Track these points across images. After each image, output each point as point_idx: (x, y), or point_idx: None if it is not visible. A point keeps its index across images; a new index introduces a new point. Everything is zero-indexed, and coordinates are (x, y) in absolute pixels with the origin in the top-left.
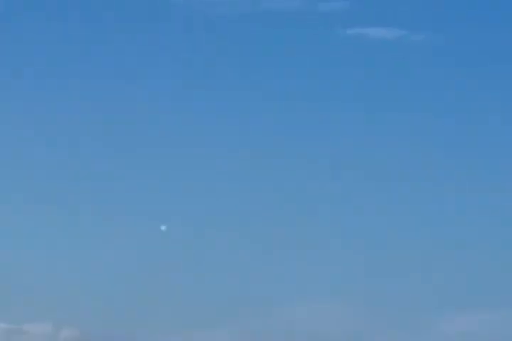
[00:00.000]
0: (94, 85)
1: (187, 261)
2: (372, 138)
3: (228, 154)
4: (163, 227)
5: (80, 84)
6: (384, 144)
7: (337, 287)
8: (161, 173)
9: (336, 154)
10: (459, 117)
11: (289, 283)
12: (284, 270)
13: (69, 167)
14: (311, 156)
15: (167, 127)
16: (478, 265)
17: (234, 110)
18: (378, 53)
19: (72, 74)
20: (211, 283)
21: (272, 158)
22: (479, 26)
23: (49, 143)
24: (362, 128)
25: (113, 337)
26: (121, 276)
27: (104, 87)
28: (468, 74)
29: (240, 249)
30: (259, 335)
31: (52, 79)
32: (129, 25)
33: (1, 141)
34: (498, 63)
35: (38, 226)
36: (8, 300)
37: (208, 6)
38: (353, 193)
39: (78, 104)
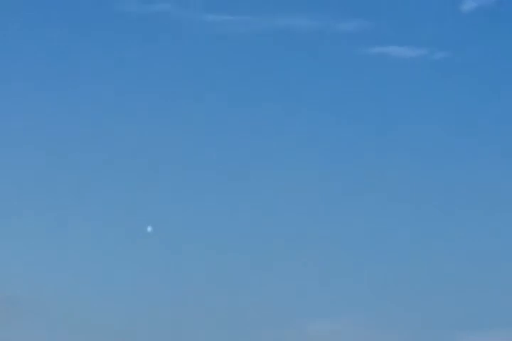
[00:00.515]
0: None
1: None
2: (389, 157)
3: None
4: (149, 228)
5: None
6: (401, 164)
7: (350, 306)
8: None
9: (358, 175)
10: (481, 137)
11: (301, 302)
12: (295, 288)
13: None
14: (327, 176)
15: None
16: (493, 284)
17: (246, 127)
18: (400, 72)
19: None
20: (206, 294)
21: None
22: (501, 45)
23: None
24: (383, 146)
25: None
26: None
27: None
28: (490, 93)
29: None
30: None
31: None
32: (140, 43)
33: None
34: None
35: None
36: (27, 321)
37: (221, 25)
38: (373, 215)
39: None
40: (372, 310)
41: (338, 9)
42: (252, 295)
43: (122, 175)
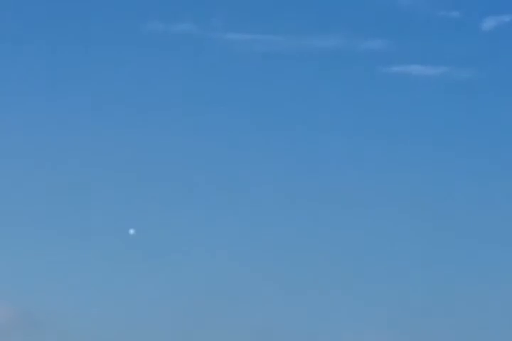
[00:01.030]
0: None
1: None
2: (413, 175)
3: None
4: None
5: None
6: (416, 180)
7: (383, 322)
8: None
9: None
10: (504, 157)
11: (330, 317)
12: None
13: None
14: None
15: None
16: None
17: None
18: (422, 90)
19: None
20: (245, 316)
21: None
22: None
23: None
24: (405, 166)
25: None
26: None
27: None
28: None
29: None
30: None
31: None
32: (163, 61)
33: None
34: None
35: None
36: (47, 338)
37: (245, 44)
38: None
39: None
40: (395, 328)
41: (359, 29)
42: (261, 311)
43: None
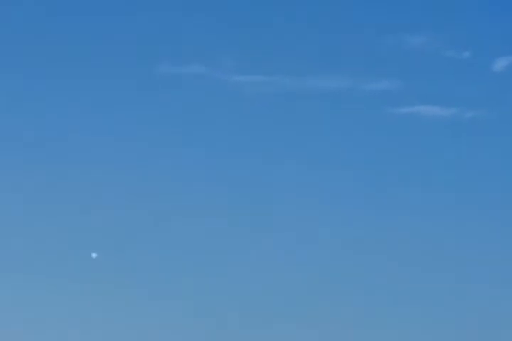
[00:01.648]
0: None
1: None
2: (429, 218)
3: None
4: (94, 255)
5: None
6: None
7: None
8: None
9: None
10: None
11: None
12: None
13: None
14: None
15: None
16: None
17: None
18: (430, 131)
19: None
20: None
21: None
22: None
23: None
24: (418, 210)
25: None
26: None
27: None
28: None
29: None
30: None
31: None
32: (173, 103)
33: None
34: None
35: None
36: None
37: (253, 85)
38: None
39: None
40: None
41: (366, 69)
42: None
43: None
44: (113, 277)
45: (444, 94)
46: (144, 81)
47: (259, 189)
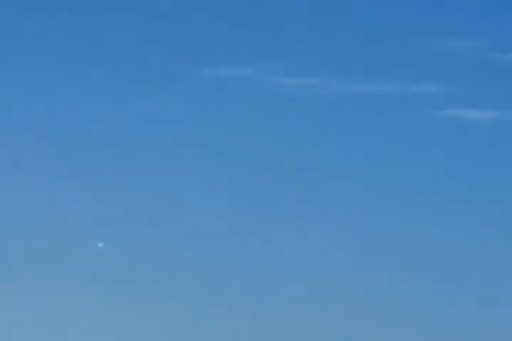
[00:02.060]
0: None
1: None
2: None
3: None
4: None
5: None
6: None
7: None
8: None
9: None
10: None
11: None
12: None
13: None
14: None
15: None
16: None
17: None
18: (475, 135)
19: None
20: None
21: None
22: None
23: None
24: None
25: None
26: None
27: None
28: None
29: None
30: None
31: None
32: (219, 106)
33: None
34: None
35: None
36: None
37: (298, 88)
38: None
39: None
40: None
41: (412, 72)
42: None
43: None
44: (120, 269)
45: (488, 97)
46: (188, 84)
47: (297, 187)
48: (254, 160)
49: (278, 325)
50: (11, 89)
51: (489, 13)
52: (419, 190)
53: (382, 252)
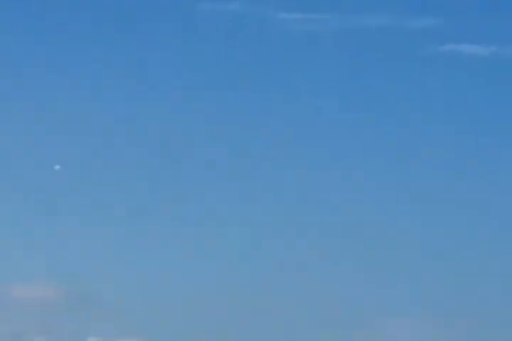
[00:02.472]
0: None
1: None
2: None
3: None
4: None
5: None
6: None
7: (420, 308)
8: None
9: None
10: None
11: (376, 302)
12: (361, 290)
13: None
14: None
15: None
16: None
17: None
18: (473, 70)
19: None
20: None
21: None
22: None
23: None
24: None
25: None
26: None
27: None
28: None
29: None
30: None
31: None
32: (214, 40)
33: None
34: None
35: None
36: (99, 315)
37: (296, 23)
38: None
39: None
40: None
41: (409, 7)
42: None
43: None
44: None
45: (485, 32)
46: (183, 18)
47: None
48: (250, 92)
49: None
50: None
51: None
52: (416, 120)
53: None
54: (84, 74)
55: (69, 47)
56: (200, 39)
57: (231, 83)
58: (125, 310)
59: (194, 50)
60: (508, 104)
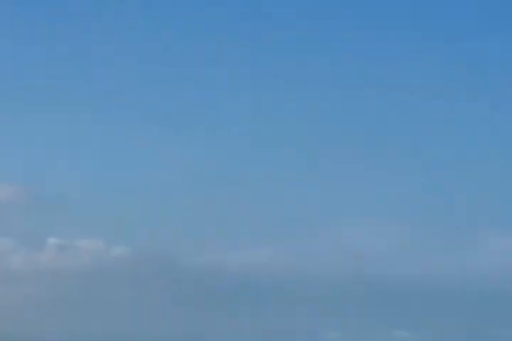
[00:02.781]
0: None
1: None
2: None
3: None
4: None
5: None
6: None
7: (385, 207)
8: None
9: None
10: None
11: (336, 203)
12: (330, 189)
13: None
14: None
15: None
16: None
17: None
18: None
19: None
20: (252, 200)
21: None
22: None
23: None
24: None
25: (161, 255)
26: (177, 195)
27: None
28: None
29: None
30: (303, 255)
31: None
32: None
33: None
34: None
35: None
36: (61, 216)
37: None
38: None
39: None
40: (409, 211)
41: None
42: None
43: None
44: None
45: None
46: None
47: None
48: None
49: None
50: None
51: None
52: None
53: None
54: None
55: None
56: None
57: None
58: (87, 213)
59: None
60: None
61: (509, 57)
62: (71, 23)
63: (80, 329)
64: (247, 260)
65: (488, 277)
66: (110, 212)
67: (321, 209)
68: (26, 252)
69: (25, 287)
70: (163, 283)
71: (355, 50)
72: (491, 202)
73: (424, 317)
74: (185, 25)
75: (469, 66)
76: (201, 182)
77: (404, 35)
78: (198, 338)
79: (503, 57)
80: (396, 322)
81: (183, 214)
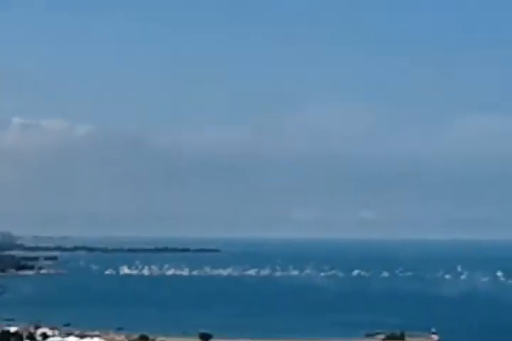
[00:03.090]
0: None
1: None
2: None
3: None
4: None
5: None
6: None
7: (356, 88)
8: None
9: None
10: None
11: (306, 83)
12: (301, 68)
13: None
14: None
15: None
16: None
17: None
18: None
19: None
20: (222, 78)
21: None
22: None
23: None
24: None
25: (126, 133)
26: (153, 75)
27: None
28: None
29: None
30: (271, 133)
31: None
32: None
33: None
34: None
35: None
36: (24, 95)
37: None
38: None
39: None
40: (378, 91)
41: None
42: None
43: None
44: None
45: None
46: None
47: None
48: None
49: None
50: None
51: None
52: None
53: None
54: None
55: None
56: None
57: None
58: (52, 89)
59: None
60: None
61: None
62: None
63: (43, 208)
64: (213, 140)
65: (456, 157)
66: (76, 90)
67: (286, 94)
68: None
69: None
70: (128, 162)
71: None
72: (459, 84)
73: (390, 198)
74: None
75: None
76: (178, 62)
77: None
78: (167, 215)
79: None
80: (362, 202)
81: (157, 93)
